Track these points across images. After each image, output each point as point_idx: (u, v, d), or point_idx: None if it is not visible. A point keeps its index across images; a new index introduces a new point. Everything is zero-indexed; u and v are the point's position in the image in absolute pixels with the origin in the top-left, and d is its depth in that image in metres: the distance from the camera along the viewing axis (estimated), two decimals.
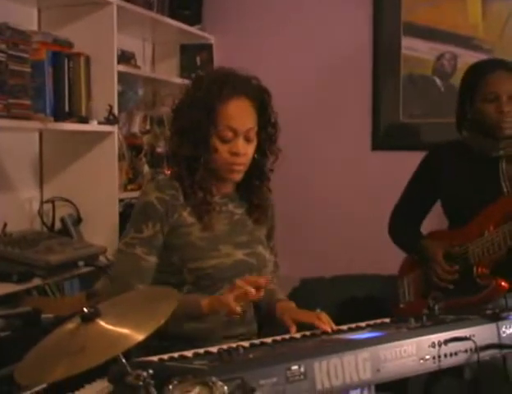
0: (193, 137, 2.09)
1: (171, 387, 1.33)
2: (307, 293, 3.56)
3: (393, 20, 3.83)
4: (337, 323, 2.03)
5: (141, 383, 1.42)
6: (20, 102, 2.63)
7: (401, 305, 2.85)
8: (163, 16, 3.77)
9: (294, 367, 1.58)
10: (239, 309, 1.89)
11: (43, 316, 2.48)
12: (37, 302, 2.63)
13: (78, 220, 3.12)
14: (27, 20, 3.04)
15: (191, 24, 4.00)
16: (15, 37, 2.61)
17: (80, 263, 2.82)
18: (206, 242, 2.10)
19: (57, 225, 3.10)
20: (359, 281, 3.70)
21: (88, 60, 3.07)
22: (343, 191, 3.92)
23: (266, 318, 2.25)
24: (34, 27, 3.10)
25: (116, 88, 3.17)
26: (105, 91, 3.12)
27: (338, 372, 1.65)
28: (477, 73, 2.72)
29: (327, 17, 3.95)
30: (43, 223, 3.08)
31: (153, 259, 2.08)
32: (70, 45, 3.04)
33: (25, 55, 2.66)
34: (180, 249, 2.09)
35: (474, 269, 2.62)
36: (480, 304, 2.55)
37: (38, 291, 2.80)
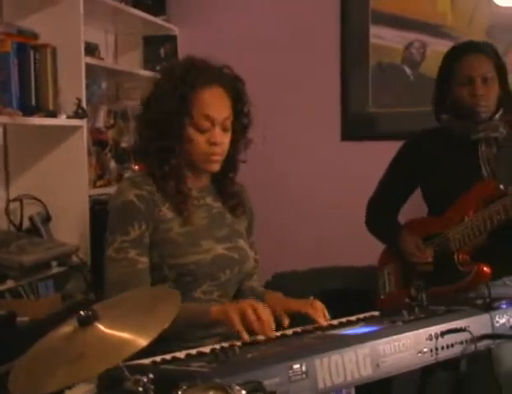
0: (165, 128, 2.04)
1: (180, 392, 1.25)
2: (280, 288, 3.50)
3: (361, 9, 3.79)
4: None
5: (141, 389, 1.35)
6: None
7: (382, 296, 2.82)
8: (127, 6, 3.67)
9: (296, 366, 1.54)
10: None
11: (19, 319, 2.39)
12: (11, 305, 2.54)
13: (47, 218, 3.01)
14: None
15: (155, 15, 3.91)
16: None
17: (53, 264, 2.72)
18: (186, 238, 2.04)
19: (25, 224, 2.99)
20: (333, 274, 3.67)
21: (54, 51, 2.95)
22: (314, 183, 3.88)
23: None
24: None
25: (83, 81, 3.06)
26: (72, 84, 3.00)
27: (339, 369, 1.62)
28: (453, 56, 2.72)
29: (294, 6, 3.89)
30: (11, 222, 2.96)
31: (146, 260, 2.01)
32: (35, 36, 2.92)
33: None
34: (160, 246, 2.02)
35: (455, 256, 2.60)
36: (463, 291, 2.54)
37: (12, 294, 2.69)
